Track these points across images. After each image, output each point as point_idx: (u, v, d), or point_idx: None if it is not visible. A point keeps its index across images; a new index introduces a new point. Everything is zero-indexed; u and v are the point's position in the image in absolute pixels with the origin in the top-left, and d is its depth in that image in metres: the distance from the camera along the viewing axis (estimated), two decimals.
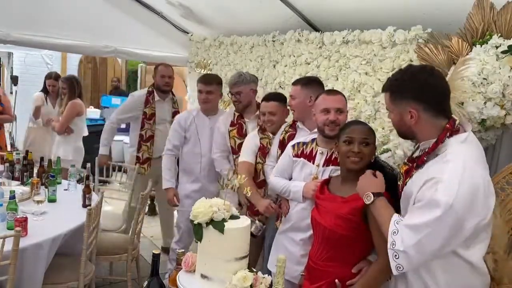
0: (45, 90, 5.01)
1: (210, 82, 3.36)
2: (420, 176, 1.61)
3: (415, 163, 1.68)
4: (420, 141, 1.69)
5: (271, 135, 2.90)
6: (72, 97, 4.55)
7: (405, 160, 1.80)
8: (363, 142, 1.95)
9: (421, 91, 1.62)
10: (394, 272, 1.59)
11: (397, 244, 1.56)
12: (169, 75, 3.97)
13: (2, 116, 4.79)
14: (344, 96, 2.37)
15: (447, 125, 1.61)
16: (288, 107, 2.81)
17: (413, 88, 1.64)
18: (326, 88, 2.69)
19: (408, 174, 1.70)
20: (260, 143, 2.92)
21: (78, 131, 4.64)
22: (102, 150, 4.08)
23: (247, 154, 2.93)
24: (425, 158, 1.63)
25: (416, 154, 1.73)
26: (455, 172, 1.50)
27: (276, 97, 2.89)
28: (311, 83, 2.66)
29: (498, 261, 1.80)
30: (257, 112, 3.11)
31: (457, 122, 1.67)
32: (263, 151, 2.90)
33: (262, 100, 2.90)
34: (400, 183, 1.78)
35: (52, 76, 4.98)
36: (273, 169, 2.58)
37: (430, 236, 1.51)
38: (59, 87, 4.80)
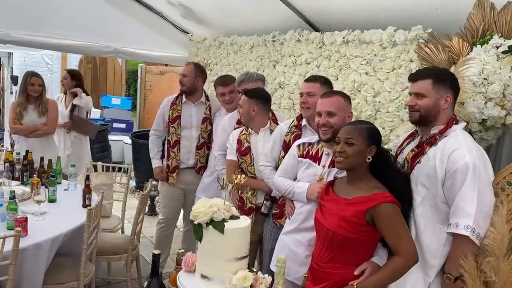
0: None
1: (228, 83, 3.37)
2: (437, 151, 1.98)
3: (427, 142, 2.05)
4: (435, 125, 2.06)
5: (250, 130, 2.89)
6: (45, 94, 4.19)
7: (413, 148, 2.13)
8: (346, 142, 1.97)
9: (456, 84, 2.08)
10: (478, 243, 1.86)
11: (460, 223, 1.85)
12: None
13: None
14: (343, 97, 2.29)
15: (453, 116, 2.08)
16: (303, 104, 2.58)
17: (452, 80, 2.08)
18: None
19: (416, 158, 2.06)
20: (239, 138, 2.90)
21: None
22: (154, 163, 3.75)
23: (232, 151, 2.96)
24: (437, 137, 2.02)
25: (421, 140, 2.12)
26: (467, 141, 1.97)
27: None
28: (329, 82, 2.62)
29: (496, 263, 1.81)
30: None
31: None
32: (239, 147, 2.88)
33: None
34: (406, 168, 2.11)
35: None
36: (278, 169, 2.53)
37: (480, 196, 1.86)
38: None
